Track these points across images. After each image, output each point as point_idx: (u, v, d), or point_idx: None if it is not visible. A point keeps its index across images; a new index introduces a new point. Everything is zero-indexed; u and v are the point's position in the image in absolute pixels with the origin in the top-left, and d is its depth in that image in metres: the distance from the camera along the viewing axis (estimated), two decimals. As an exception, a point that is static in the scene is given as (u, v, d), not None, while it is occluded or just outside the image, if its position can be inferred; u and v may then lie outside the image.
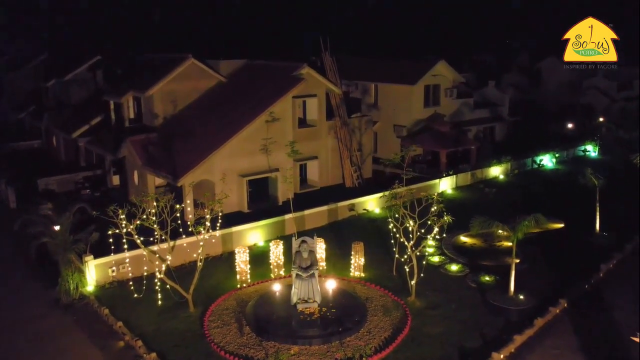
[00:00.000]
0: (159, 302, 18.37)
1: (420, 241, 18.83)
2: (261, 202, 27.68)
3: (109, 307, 18.26)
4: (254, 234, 24.05)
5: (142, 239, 17.64)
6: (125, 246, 18.07)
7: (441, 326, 17.13)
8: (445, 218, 17.51)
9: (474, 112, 40.90)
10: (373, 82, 38.17)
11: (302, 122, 30.29)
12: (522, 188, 32.22)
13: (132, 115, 31.62)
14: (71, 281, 19.03)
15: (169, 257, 18.28)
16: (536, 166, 37.23)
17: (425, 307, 18.35)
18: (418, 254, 18.52)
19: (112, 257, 20.09)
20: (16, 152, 40.32)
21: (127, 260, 19.80)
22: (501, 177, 34.79)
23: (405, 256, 18.84)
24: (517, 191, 31.68)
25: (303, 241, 17.97)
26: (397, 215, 18.71)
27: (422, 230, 18.45)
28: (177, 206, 17.96)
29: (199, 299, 18.86)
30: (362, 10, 78.90)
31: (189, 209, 24.50)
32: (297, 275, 17.69)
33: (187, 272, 20.45)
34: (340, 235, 24.54)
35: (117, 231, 17.01)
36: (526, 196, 30.43)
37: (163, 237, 17.79)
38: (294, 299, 17.65)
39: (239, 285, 19.97)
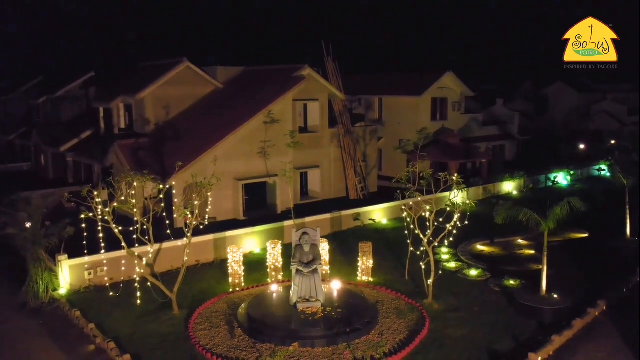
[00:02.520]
0: (138, 302, 16.04)
1: (438, 233, 16.69)
2: (258, 210, 25.50)
3: (81, 310, 15.92)
4: (250, 240, 21.80)
5: (120, 228, 15.48)
6: (101, 235, 15.78)
7: (465, 329, 14.77)
8: (468, 202, 15.47)
9: (483, 129, 39.11)
10: (377, 96, 36.45)
11: (304, 130, 28.42)
12: (540, 203, 30.03)
13: (122, 125, 29.83)
14: (41, 282, 16.71)
15: (150, 250, 16.06)
16: (550, 183, 35.20)
17: (444, 309, 16.01)
18: (436, 244, 16.33)
19: (90, 258, 17.82)
20: (4, 174, 38.39)
21: (105, 261, 17.67)
22: (514, 192, 32.70)
23: (422, 248, 16.62)
24: (535, 205, 29.45)
25: (304, 233, 15.76)
26: (410, 203, 16.64)
27: (440, 219, 16.32)
28: (160, 186, 15.89)
29: (185, 302, 16.55)
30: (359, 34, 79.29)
31: (175, 215, 22.28)
32: (298, 271, 15.42)
33: (173, 277, 17.92)
34: (345, 244, 22.27)
35: (91, 215, 14.88)
36: (545, 209, 28.24)
37: (145, 227, 15.58)
38: (294, 298, 15.30)
39: (231, 289, 17.65)
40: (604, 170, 38.99)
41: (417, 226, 16.59)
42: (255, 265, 20.04)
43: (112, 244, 16.78)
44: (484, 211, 28.63)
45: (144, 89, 26.96)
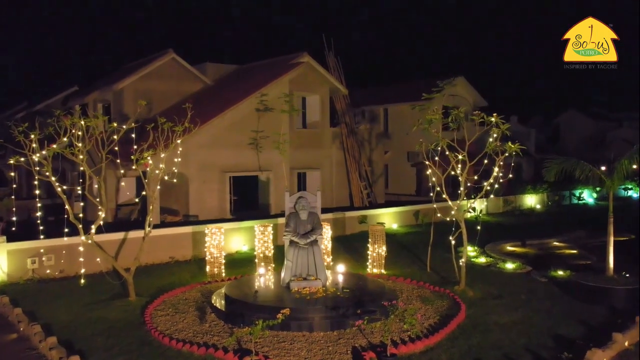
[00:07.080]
0: (82, 281, 12.41)
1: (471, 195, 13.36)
2: (249, 210, 22.01)
3: (13, 299, 12.29)
4: (237, 238, 18.29)
5: (65, 187, 12.15)
6: (40, 221, 12.36)
7: (514, 315, 11.11)
8: (512, 146, 12.42)
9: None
10: (382, 106, 33.53)
11: (302, 127, 25.34)
12: (568, 215, 26.74)
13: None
14: (-35, 267, 13.17)
15: (102, 214, 12.60)
16: (575, 200, 31.89)
17: (482, 297, 12.39)
18: (471, 208, 12.92)
19: (36, 243, 14.39)
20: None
21: (43, 249, 14.24)
22: (538, 206, 29.36)
23: (452, 213, 13.20)
24: (563, 217, 26.17)
25: (301, 197, 12.35)
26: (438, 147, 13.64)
27: (476, 177, 13.09)
28: (114, 124, 12.64)
29: (147, 292, 12.92)
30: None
31: (134, 167, 18.80)
32: (292, 242, 11.92)
33: (139, 273, 14.12)
34: (350, 247, 18.68)
35: (22, 160, 11.60)
36: (577, 218, 25.02)
37: (95, 184, 12.18)
38: (287, 277, 11.71)
39: (209, 280, 14.03)
40: (630, 189, 36.01)
41: (444, 187, 13.27)
42: (241, 262, 16.49)
43: (71, 232, 13.43)
44: (508, 220, 25.35)
45: (123, 79, 24.02)
